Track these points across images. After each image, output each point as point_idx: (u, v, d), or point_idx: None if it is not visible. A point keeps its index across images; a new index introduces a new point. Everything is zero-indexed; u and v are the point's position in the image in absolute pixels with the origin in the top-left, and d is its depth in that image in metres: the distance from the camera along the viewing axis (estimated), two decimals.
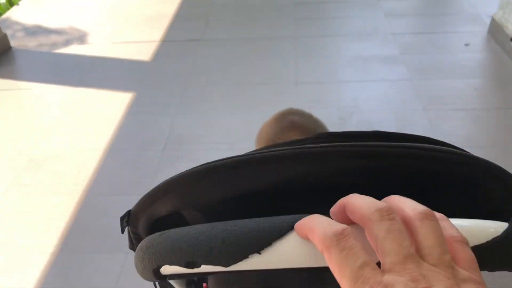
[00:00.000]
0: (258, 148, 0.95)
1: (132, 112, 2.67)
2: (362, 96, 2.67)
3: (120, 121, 2.60)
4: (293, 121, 0.90)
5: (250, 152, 0.44)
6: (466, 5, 3.65)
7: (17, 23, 3.92)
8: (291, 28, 3.50)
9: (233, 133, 2.47)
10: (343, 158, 0.39)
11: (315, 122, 0.93)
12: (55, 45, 3.53)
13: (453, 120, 2.44)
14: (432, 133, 2.34)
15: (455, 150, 0.40)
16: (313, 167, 0.40)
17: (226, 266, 0.35)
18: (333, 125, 2.46)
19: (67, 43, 3.55)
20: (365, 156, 0.39)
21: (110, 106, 2.75)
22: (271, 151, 0.41)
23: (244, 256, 0.34)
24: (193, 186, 0.43)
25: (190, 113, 2.64)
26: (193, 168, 0.43)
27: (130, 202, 0.56)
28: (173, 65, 3.14)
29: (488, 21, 3.32)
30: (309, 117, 0.94)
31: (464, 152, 0.41)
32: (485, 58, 2.99)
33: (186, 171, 0.43)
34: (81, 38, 3.61)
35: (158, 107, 2.72)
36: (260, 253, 0.34)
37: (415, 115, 2.48)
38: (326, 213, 0.34)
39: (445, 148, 0.40)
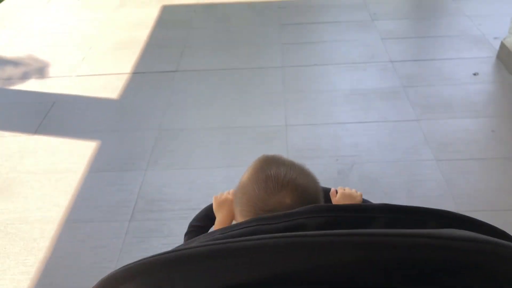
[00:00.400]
0: (239, 213, 0.74)
1: (95, 169, 2.27)
2: (362, 142, 2.31)
3: (80, 182, 2.20)
4: (278, 178, 0.71)
5: (231, 234, 0.40)
6: (468, 25, 3.32)
7: None
8: (278, 56, 3.13)
9: (213, 194, 2.09)
10: (349, 250, 0.36)
11: (302, 171, 0.76)
12: (10, 79, 3.11)
13: (470, 172, 2.09)
14: (448, 191, 1.99)
15: (475, 236, 0.37)
16: (311, 259, 0.37)
17: None
18: (332, 181, 2.10)
19: (25, 76, 3.13)
20: (372, 249, 0.36)
21: (70, 160, 2.34)
22: (253, 240, 0.37)
23: None
24: (159, 277, 0.38)
25: (163, 168, 2.26)
26: (161, 254, 0.38)
27: None
28: (145, 104, 2.75)
29: (494, 43, 3.00)
30: (292, 165, 0.76)
31: (482, 237, 0.37)
32: (497, 90, 2.66)
33: (152, 257, 0.38)
34: (41, 70, 3.19)
35: (126, 160, 2.32)
36: None
37: (426, 168, 2.13)
38: None
39: (461, 235, 0.37)
